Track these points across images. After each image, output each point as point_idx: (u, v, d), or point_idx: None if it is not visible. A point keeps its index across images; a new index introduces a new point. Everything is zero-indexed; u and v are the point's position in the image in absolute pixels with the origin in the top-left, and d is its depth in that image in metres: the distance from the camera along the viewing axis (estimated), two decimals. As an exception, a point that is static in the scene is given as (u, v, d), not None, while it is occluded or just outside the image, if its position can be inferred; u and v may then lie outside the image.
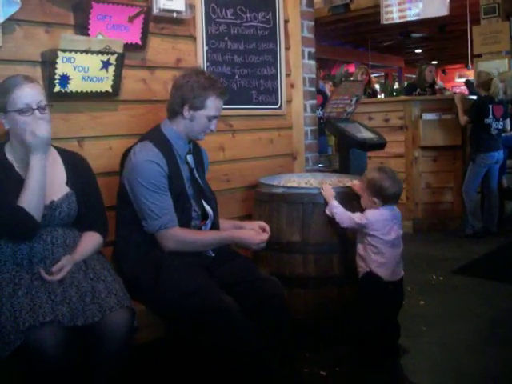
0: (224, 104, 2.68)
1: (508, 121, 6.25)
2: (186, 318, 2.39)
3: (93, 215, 2.47)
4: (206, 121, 2.59)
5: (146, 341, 2.50)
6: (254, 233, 2.63)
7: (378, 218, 2.99)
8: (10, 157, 2.31)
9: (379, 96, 10.54)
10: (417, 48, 16.94)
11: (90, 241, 2.42)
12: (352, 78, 8.17)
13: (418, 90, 7.26)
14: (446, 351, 3.20)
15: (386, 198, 3.00)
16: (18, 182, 2.22)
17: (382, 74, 18.19)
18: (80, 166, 2.50)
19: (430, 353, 3.18)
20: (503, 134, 6.08)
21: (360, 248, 3.05)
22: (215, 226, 2.76)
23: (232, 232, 2.72)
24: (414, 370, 2.98)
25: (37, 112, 2.24)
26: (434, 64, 7.79)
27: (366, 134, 4.26)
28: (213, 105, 2.57)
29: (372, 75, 17.28)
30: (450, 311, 3.85)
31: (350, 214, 3.02)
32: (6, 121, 2.25)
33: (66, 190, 2.37)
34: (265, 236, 2.62)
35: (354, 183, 3.14)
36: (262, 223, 2.75)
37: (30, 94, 2.24)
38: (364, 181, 3.05)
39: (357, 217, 3.00)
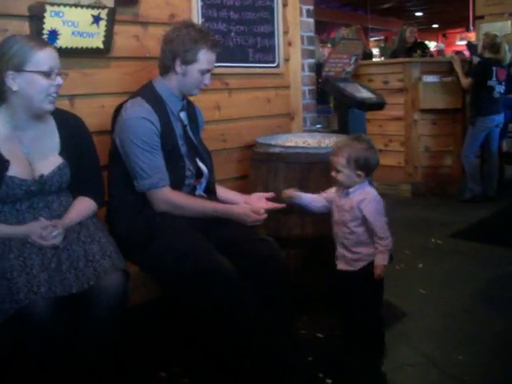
0: (219, 61, 2.60)
1: None
2: (180, 279, 2.35)
3: (88, 182, 2.37)
4: (199, 75, 2.51)
5: (140, 302, 2.45)
6: (250, 208, 2.53)
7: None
8: None
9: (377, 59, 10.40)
10: (417, 11, 16.75)
11: (82, 206, 2.32)
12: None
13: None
14: (445, 314, 3.18)
15: (371, 169, 2.70)
16: None
17: (382, 37, 17.95)
18: (76, 130, 2.36)
19: (429, 316, 3.16)
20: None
21: (360, 234, 2.67)
22: (210, 185, 2.70)
23: (227, 207, 2.60)
24: (412, 334, 2.95)
25: (58, 78, 2.16)
26: (415, 26, 7.55)
27: (365, 94, 4.18)
28: (205, 57, 2.48)
29: (371, 38, 17.17)
30: (448, 275, 3.83)
31: (379, 217, 2.63)
32: (18, 81, 2.10)
33: (58, 161, 2.25)
34: (262, 216, 2.52)
35: None
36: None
37: (54, 56, 2.16)
38: (344, 155, 2.64)
39: (380, 209, 2.65)
